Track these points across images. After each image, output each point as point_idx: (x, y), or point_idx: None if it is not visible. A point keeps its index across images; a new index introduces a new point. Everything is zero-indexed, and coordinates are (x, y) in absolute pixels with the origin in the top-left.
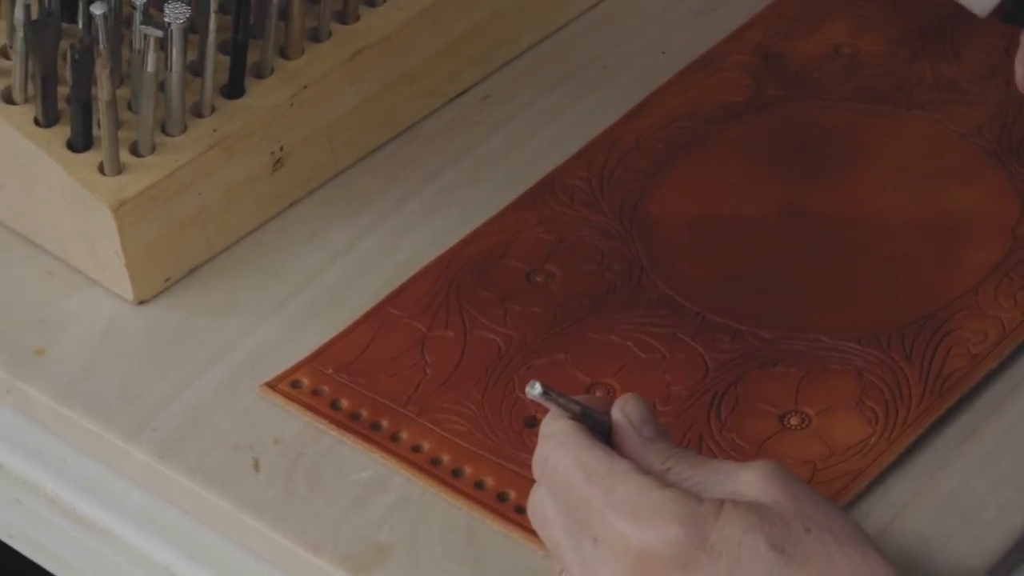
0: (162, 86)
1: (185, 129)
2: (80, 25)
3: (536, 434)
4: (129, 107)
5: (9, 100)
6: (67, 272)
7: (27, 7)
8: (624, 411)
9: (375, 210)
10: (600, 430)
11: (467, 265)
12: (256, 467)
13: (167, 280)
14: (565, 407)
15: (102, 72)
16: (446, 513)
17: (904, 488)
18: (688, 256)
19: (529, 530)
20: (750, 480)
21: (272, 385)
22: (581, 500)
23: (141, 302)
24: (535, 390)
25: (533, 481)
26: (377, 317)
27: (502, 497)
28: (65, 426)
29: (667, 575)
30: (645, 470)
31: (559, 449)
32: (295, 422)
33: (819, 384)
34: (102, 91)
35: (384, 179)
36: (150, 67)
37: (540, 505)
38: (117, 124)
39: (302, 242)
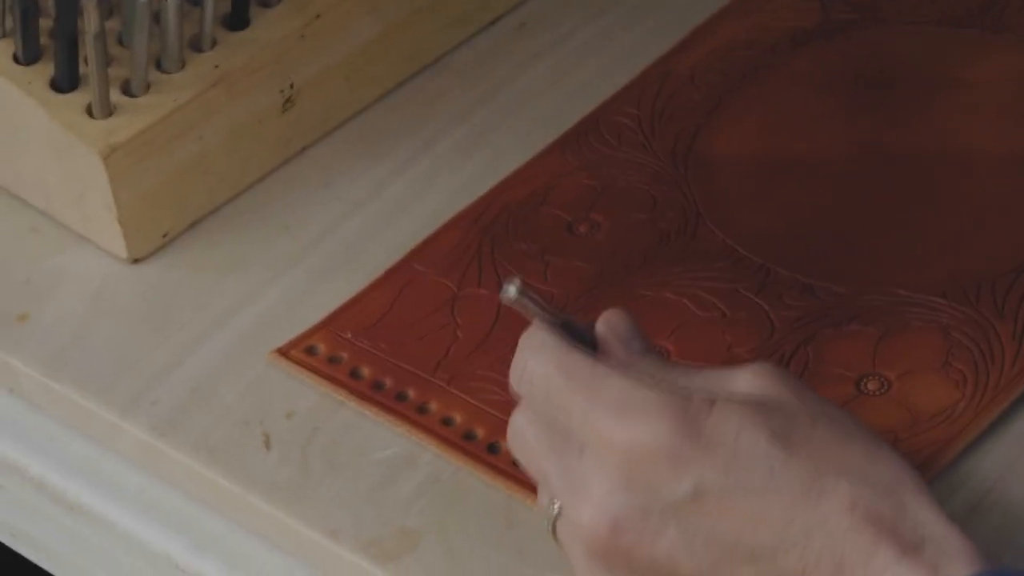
0: (157, 17)
1: (183, 65)
2: None
3: None
4: (120, 41)
5: None
6: (53, 228)
7: None
8: (609, 324)
9: (398, 154)
10: (584, 345)
11: (502, 214)
12: (267, 444)
13: (165, 235)
14: (545, 315)
15: (89, 1)
16: (481, 494)
17: (997, 460)
18: (750, 202)
19: None
20: (747, 378)
21: (284, 352)
22: (563, 406)
23: (136, 260)
24: (510, 291)
25: None
26: (401, 274)
27: None
28: (52, 400)
29: (658, 474)
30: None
31: (538, 355)
32: (310, 393)
33: (899, 344)
34: (89, 23)
35: (408, 119)
36: None
37: (519, 429)
38: (107, 60)
39: (316, 191)
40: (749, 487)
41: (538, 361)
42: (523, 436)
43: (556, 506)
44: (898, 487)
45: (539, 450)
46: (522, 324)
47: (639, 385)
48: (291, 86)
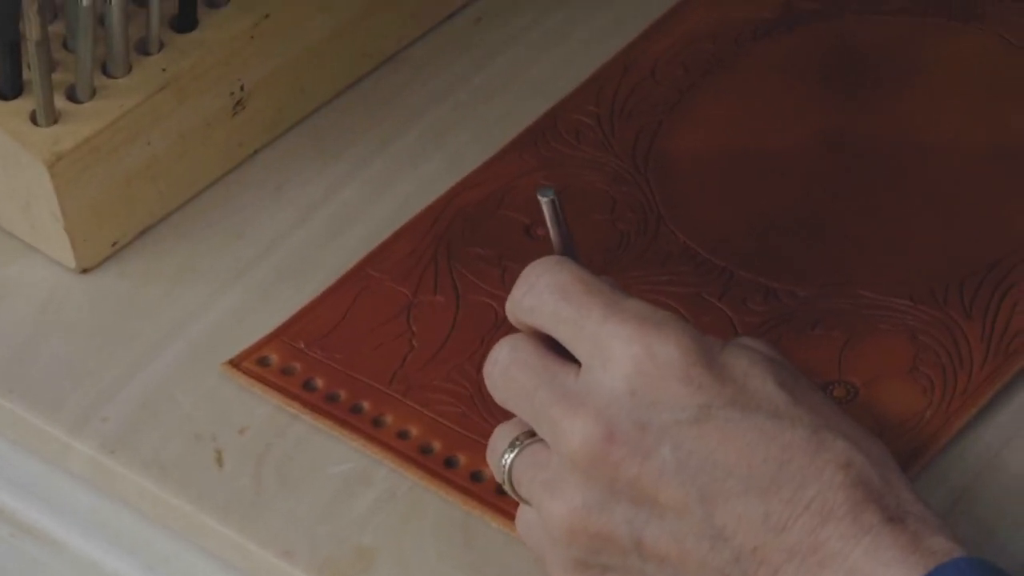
0: (102, 19)
1: (130, 69)
2: None
3: None
4: (65, 45)
5: None
6: None
7: None
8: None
9: (351, 156)
10: None
11: (458, 218)
12: (219, 461)
13: (114, 244)
14: (561, 234)
15: (30, 7)
16: (438, 510)
17: (965, 469)
18: (712, 201)
19: None
20: (749, 338)
21: (236, 363)
22: (577, 312)
23: (85, 270)
24: (547, 194)
25: None
26: (355, 281)
27: (502, 490)
28: None
29: (665, 390)
30: None
31: (555, 270)
32: (263, 406)
33: (866, 349)
34: (31, 29)
35: (362, 119)
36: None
37: (514, 346)
38: (51, 66)
39: (268, 196)
40: (754, 421)
41: (555, 274)
42: (516, 355)
43: (512, 453)
44: (886, 464)
45: (533, 367)
46: (478, 332)
47: (657, 308)
48: (241, 88)
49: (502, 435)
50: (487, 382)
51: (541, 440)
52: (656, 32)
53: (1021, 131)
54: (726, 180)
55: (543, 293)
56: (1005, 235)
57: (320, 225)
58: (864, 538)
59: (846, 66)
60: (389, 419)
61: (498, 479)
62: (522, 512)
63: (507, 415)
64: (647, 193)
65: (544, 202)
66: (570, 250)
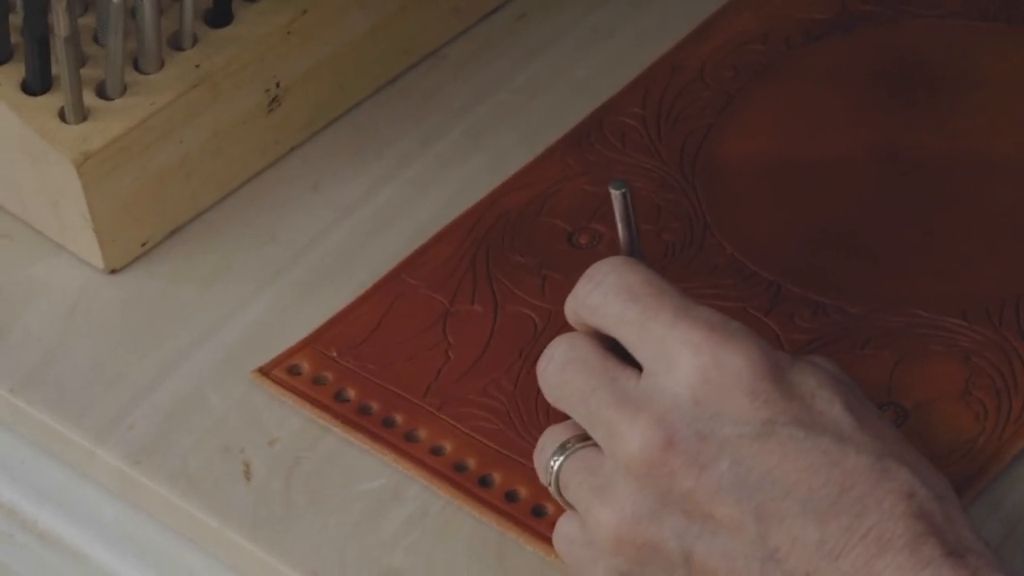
0: (134, 12)
1: (162, 65)
2: None
3: None
4: (95, 39)
5: None
6: (28, 235)
7: None
8: None
9: (391, 155)
10: None
11: (498, 223)
12: (247, 474)
13: (144, 244)
14: (629, 230)
15: (59, 2)
16: (471, 530)
17: (1018, 499)
18: (761, 212)
19: None
20: (825, 361)
21: (266, 371)
22: (644, 314)
23: (114, 271)
24: (620, 187)
25: None
26: (391, 288)
27: (538, 512)
28: (23, 422)
29: (731, 402)
30: None
31: (624, 271)
32: (294, 417)
33: (917, 370)
34: (60, 23)
35: (401, 118)
36: None
37: (574, 345)
38: (80, 61)
39: (303, 196)
40: (818, 443)
41: (623, 274)
42: (574, 353)
43: (562, 456)
44: (947, 498)
45: (591, 367)
46: (516, 344)
47: (729, 318)
48: (277, 85)
49: (552, 437)
50: (540, 379)
51: (594, 445)
52: (705, 32)
53: None
54: (775, 189)
55: (609, 293)
56: None
57: (358, 226)
58: (922, 572)
59: (902, 73)
60: (423, 434)
61: (544, 482)
62: (562, 525)
63: (554, 422)
64: (694, 201)
65: (615, 195)
66: (637, 248)
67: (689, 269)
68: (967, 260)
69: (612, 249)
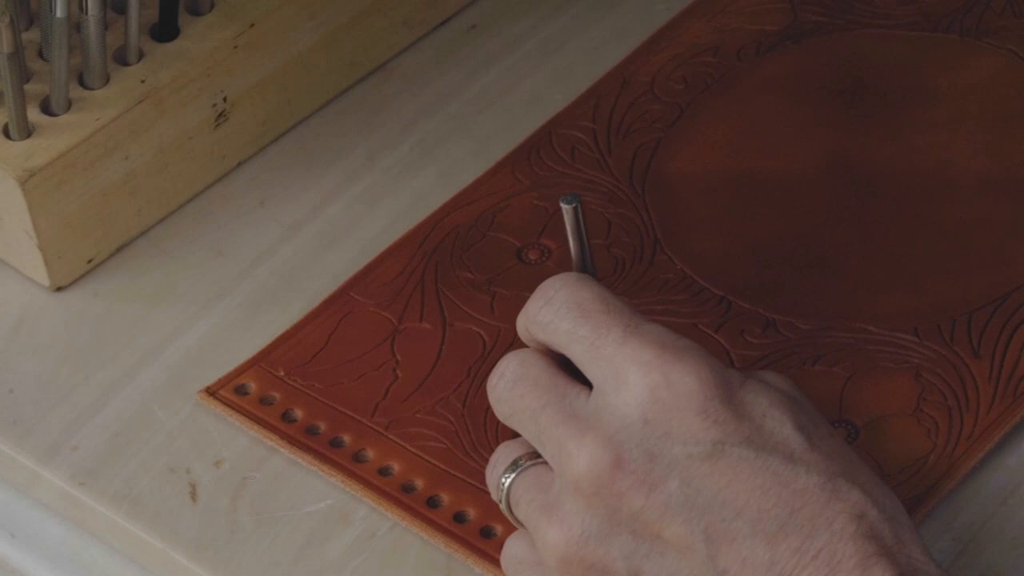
0: (78, 27)
1: (108, 80)
2: None
3: None
4: (40, 54)
5: None
6: None
7: None
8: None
9: (340, 170)
10: None
11: (448, 239)
12: (193, 495)
13: (90, 262)
14: (580, 245)
15: (1, 18)
16: (420, 552)
17: (971, 517)
18: (712, 227)
19: None
20: (773, 375)
21: (213, 391)
22: (595, 331)
23: (59, 288)
24: (571, 201)
25: None
26: (339, 306)
27: (487, 533)
28: None
29: (680, 422)
30: None
31: (575, 287)
32: (240, 437)
33: (868, 387)
34: (3, 39)
35: (351, 131)
36: (59, 11)
37: (523, 361)
38: (24, 76)
39: (251, 212)
40: (768, 463)
41: (574, 291)
42: (525, 370)
43: (513, 473)
44: (898, 518)
45: (542, 385)
46: (464, 363)
47: (679, 336)
48: (224, 99)
49: (505, 453)
50: (491, 396)
51: (545, 463)
52: (656, 44)
53: None
54: (726, 204)
55: (560, 309)
56: (1015, 267)
57: (305, 243)
58: None
59: (853, 85)
60: (371, 454)
61: (495, 498)
62: (509, 545)
63: (503, 440)
64: (644, 216)
65: (566, 210)
66: (589, 263)
67: (639, 284)
68: (919, 276)
69: (561, 265)
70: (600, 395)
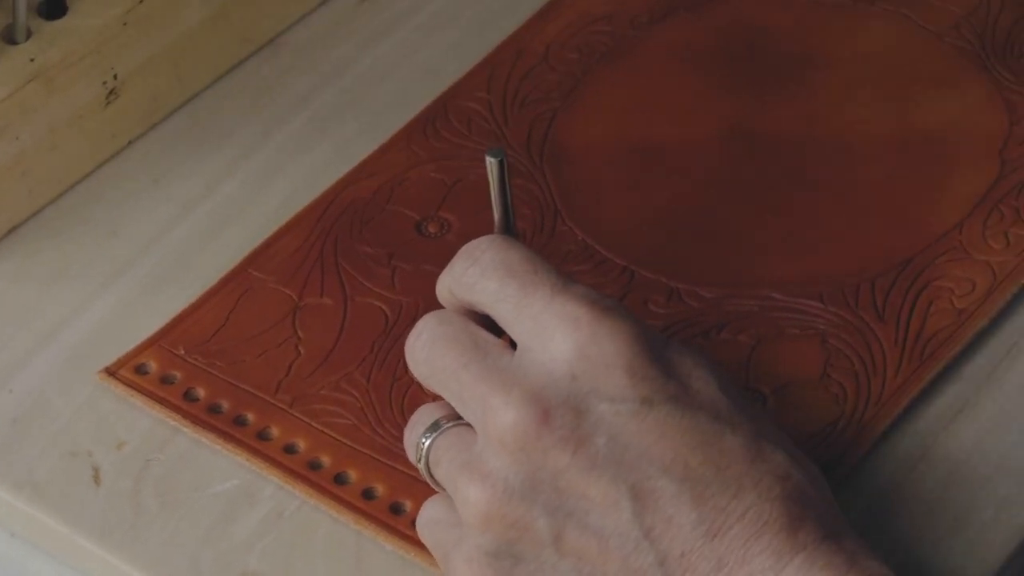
0: None
1: None
2: None
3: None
4: None
5: None
6: None
7: None
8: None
9: (233, 147)
10: None
11: (346, 213)
12: (96, 479)
13: None
14: (503, 200)
15: None
16: (329, 530)
17: (880, 483)
18: (612, 196)
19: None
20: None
21: (112, 371)
22: (522, 290)
23: None
24: (497, 155)
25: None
26: (238, 282)
27: (396, 509)
28: None
29: (608, 378)
30: None
31: (503, 248)
32: (142, 418)
33: (774, 354)
34: None
35: (243, 107)
36: None
37: (438, 324)
38: None
39: (145, 189)
40: (694, 421)
41: (501, 251)
42: (444, 328)
43: (434, 434)
44: (819, 482)
45: (462, 342)
46: (367, 337)
47: (605, 295)
48: (115, 77)
49: (426, 414)
50: (408, 357)
51: (467, 424)
52: (549, 13)
53: (926, 127)
54: (625, 173)
55: (487, 269)
56: (918, 231)
57: (201, 221)
58: (798, 555)
59: (748, 51)
60: (275, 432)
61: (413, 459)
62: (426, 508)
63: (408, 415)
64: (543, 187)
65: (491, 163)
66: (510, 220)
67: (541, 256)
68: (822, 241)
69: (461, 238)
70: (526, 352)
